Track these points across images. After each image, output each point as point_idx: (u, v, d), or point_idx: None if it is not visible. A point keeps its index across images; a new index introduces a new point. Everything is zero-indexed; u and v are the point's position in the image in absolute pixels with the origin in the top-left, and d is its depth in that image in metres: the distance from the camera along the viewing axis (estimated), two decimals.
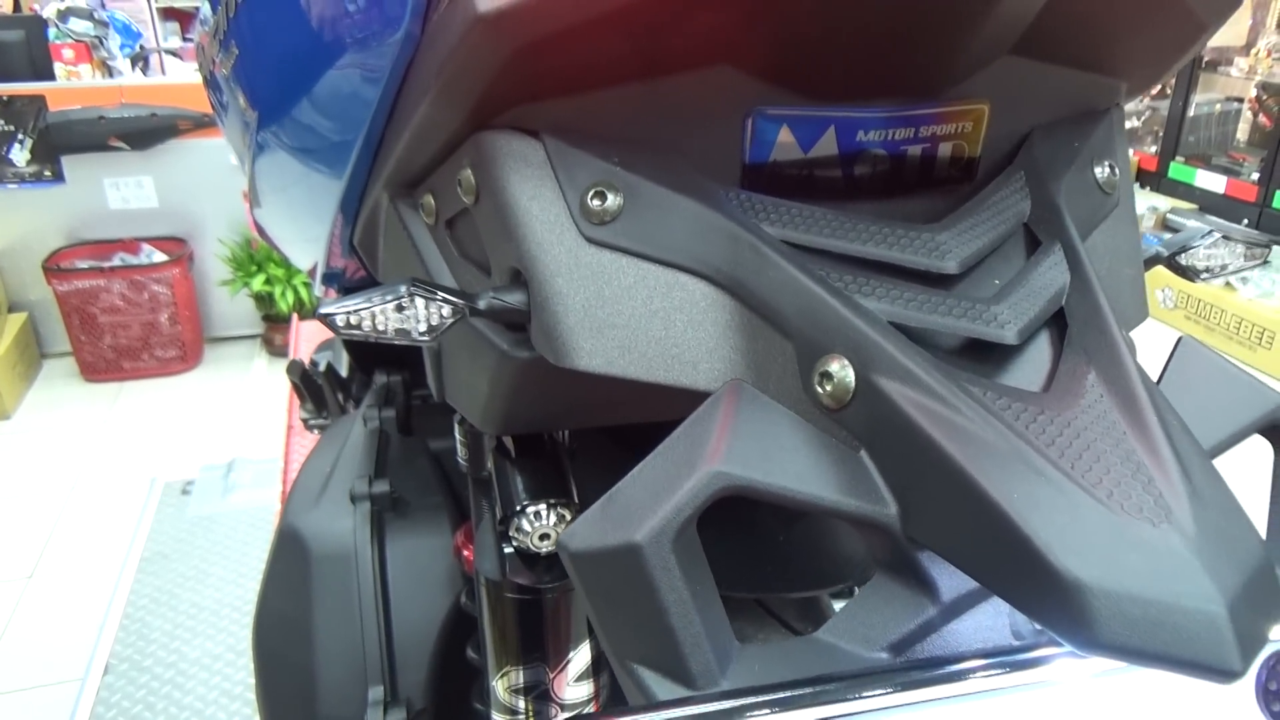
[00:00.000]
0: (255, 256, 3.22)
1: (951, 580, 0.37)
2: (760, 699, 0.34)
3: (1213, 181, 4.06)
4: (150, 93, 3.13)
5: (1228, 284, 3.48)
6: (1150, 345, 0.49)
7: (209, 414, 3.00)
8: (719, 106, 0.41)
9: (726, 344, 0.39)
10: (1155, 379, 0.41)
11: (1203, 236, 0.51)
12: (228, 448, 2.71)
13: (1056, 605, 0.29)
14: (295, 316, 2.54)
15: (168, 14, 4.94)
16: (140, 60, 3.66)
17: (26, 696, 1.82)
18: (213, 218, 3.26)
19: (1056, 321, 0.39)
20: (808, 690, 0.34)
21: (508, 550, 0.59)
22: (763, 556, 0.61)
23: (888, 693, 0.34)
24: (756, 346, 0.39)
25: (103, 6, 3.66)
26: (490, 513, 0.62)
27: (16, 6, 3.99)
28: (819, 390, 0.36)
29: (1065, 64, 0.46)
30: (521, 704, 0.61)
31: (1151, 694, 0.35)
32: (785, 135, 0.42)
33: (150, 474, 2.59)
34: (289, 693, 0.73)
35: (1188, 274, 0.52)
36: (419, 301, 0.40)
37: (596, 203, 0.39)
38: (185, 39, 4.75)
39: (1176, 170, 4.26)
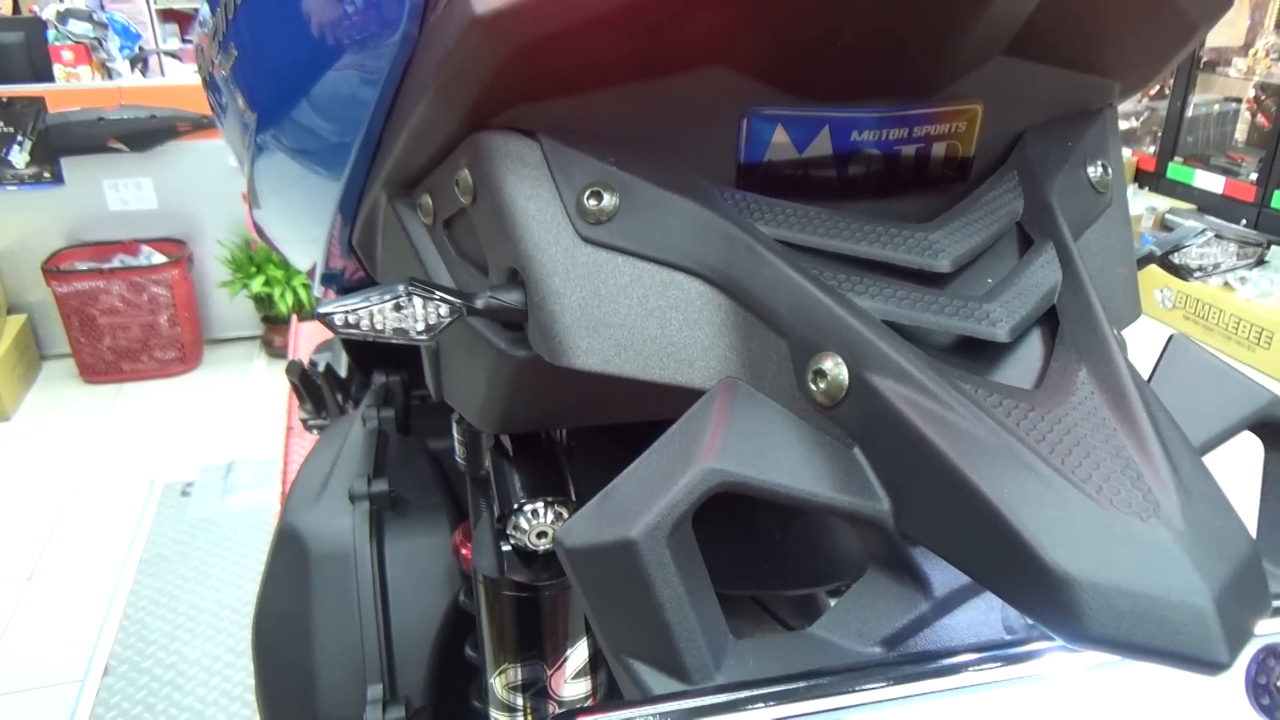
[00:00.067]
0: (254, 258, 3.22)
1: (944, 575, 0.37)
2: (755, 693, 0.34)
3: (1211, 182, 4.06)
4: (149, 94, 3.12)
5: (1226, 284, 3.48)
6: (1148, 345, 0.49)
7: (208, 415, 3.00)
8: (714, 107, 0.41)
9: (721, 342, 0.40)
10: (1147, 377, 0.41)
11: (1196, 235, 0.52)
12: (227, 449, 2.71)
13: (1046, 599, 0.30)
14: (294, 318, 2.53)
15: (167, 15, 4.95)
16: (139, 62, 3.66)
17: (26, 697, 1.82)
18: (212, 219, 3.26)
19: (1048, 320, 0.39)
20: (801, 684, 0.34)
21: (505, 548, 0.59)
22: (759, 554, 0.61)
23: (881, 686, 0.34)
24: (751, 345, 0.39)
25: (102, 8, 3.67)
26: (488, 511, 0.62)
27: (16, 8, 4.00)
28: (813, 388, 0.36)
29: (1058, 64, 0.46)
30: (519, 701, 0.61)
31: (1142, 688, 0.35)
32: (780, 135, 0.42)
33: (150, 475, 2.59)
34: (288, 691, 0.73)
35: (1181, 273, 0.52)
36: (417, 301, 0.40)
37: (593, 202, 0.40)
38: (184, 40, 4.76)
39: (1175, 170, 4.26)
